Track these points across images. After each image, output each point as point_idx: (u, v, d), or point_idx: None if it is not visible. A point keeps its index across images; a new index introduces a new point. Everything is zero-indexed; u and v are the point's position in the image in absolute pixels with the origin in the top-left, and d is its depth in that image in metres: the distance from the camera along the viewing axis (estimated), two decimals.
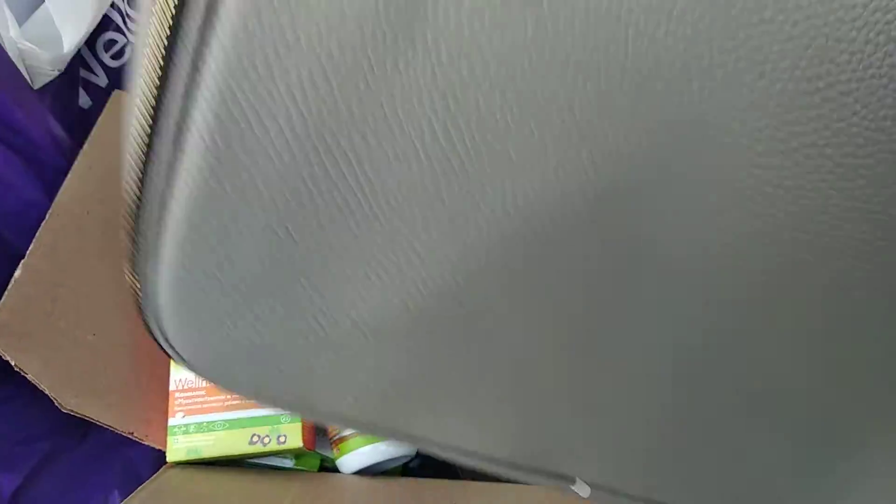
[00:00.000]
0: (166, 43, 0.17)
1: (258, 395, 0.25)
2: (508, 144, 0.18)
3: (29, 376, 0.41)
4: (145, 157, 0.19)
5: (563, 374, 0.25)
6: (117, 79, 0.62)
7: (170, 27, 0.17)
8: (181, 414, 0.45)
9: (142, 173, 0.19)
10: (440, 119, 0.18)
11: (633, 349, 0.24)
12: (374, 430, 0.27)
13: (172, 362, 0.47)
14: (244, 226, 0.20)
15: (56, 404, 0.42)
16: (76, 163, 0.49)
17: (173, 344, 0.24)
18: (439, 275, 0.21)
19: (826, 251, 0.21)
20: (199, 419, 0.45)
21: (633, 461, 0.28)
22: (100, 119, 0.51)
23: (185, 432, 0.45)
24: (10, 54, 0.49)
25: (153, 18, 0.17)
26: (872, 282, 0.22)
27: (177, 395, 0.46)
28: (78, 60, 0.58)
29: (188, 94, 0.18)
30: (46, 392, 0.42)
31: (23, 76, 0.50)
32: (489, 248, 0.20)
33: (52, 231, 0.45)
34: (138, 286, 0.22)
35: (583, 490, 0.29)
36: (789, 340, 0.23)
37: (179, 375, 0.46)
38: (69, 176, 0.48)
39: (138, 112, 0.18)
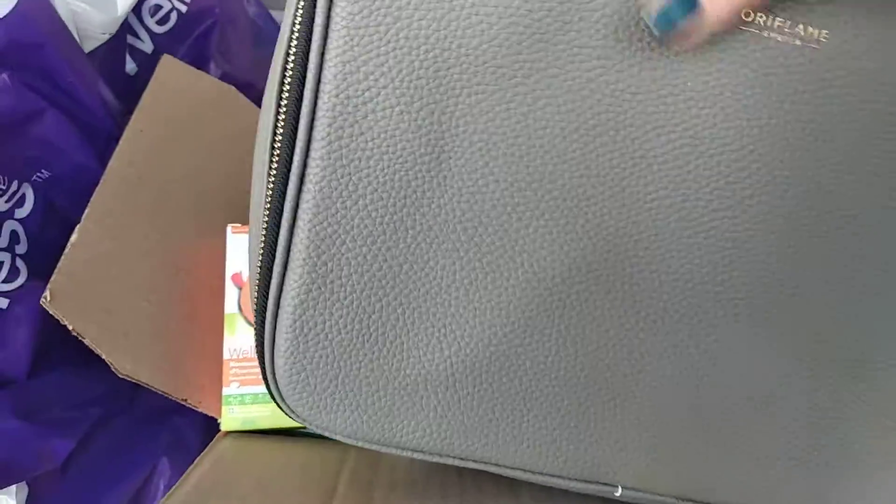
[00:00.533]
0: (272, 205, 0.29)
1: (349, 436, 0.32)
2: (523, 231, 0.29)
3: (86, 341, 0.41)
4: (264, 276, 0.30)
5: (613, 396, 0.31)
6: (163, 44, 0.61)
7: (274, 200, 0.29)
8: (236, 384, 0.45)
9: (262, 284, 0.30)
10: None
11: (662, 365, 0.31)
12: (443, 458, 0.33)
13: (227, 329, 0.46)
14: (337, 314, 0.30)
15: (112, 369, 0.42)
16: (127, 128, 0.48)
17: (285, 398, 0.32)
18: (489, 328, 0.30)
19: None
20: (256, 390, 0.45)
21: (669, 467, 0.32)
22: (150, 84, 0.50)
23: (241, 402, 0.45)
24: (63, 16, 0.48)
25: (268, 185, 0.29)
26: None
27: (231, 364, 0.45)
28: (125, 26, 0.57)
29: (288, 242, 0.29)
30: (104, 357, 0.41)
31: (75, 39, 0.49)
32: (523, 305, 0.29)
33: (106, 196, 0.45)
34: (261, 356, 0.31)
35: (616, 491, 0.33)
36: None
37: (234, 344, 0.46)
38: (121, 141, 0.48)
39: (256, 252, 0.30)
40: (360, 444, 0.32)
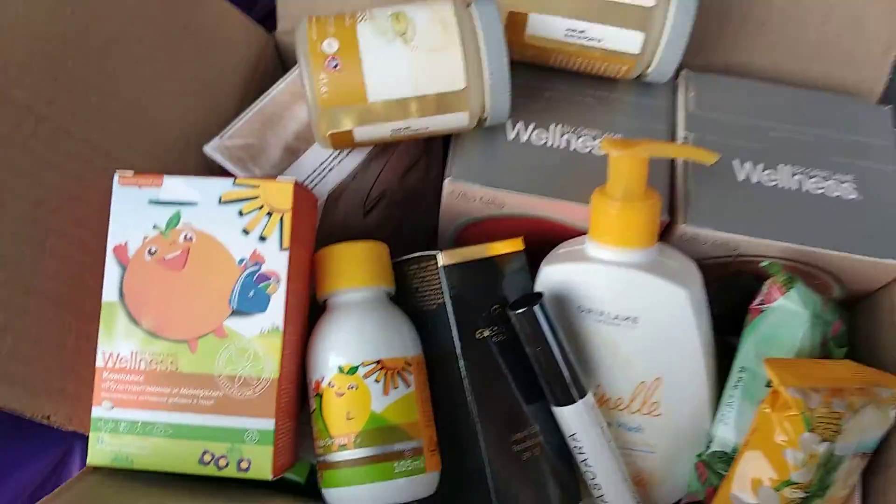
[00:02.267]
0: None
1: None
2: None
3: None
4: None
5: None
6: None
7: None
8: (109, 403, 0.32)
9: None
10: None
11: None
12: None
13: (102, 323, 0.32)
14: None
15: None
16: None
17: None
18: None
19: None
20: (134, 415, 0.32)
21: None
22: None
23: (114, 430, 0.32)
24: None
25: None
26: None
27: (105, 374, 0.32)
28: None
29: None
30: None
31: None
32: None
33: None
34: None
35: None
36: None
37: (110, 347, 0.32)
38: None
39: None
40: None
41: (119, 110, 0.36)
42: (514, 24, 0.37)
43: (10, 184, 0.31)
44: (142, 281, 0.33)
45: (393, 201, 0.44)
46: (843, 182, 0.38)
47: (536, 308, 0.33)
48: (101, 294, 0.33)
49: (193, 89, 0.40)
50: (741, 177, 0.37)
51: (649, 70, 0.38)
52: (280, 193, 0.33)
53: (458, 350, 0.34)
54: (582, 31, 0.36)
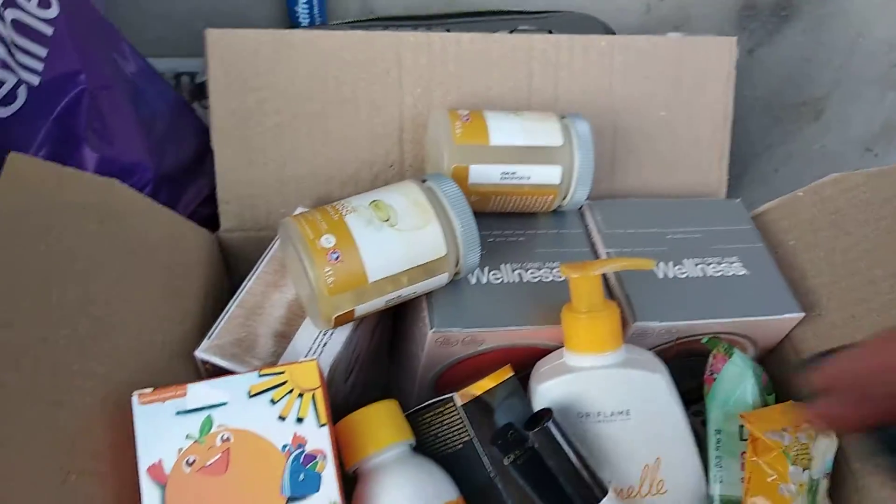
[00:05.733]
0: None
1: None
2: None
3: None
4: None
5: None
6: (10, 132, 0.45)
7: None
8: None
9: None
10: None
11: None
12: None
13: None
14: None
15: None
16: None
17: None
18: None
19: None
20: None
21: None
22: None
23: None
24: None
25: None
26: None
27: None
28: None
29: None
30: None
31: None
32: None
33: None
34: None
35: None
36: None
37: None
38: None
39: None
40: None
41: (105, 333, 0.36)
42: (459, 177, 0.43)
43: (20, 430, 0.30)
44: (186, 495, 0.32)
45: (363, 363, 0.46)
46: (732, 263, 0.47)
47: (550, 424, 0.37)
48: None
49: (163, 298, 0.40)
50: (661, 275, 0.45)
51: (567, 197, 0.46)
52: (306, 374, 0.34)
53: (497, 481, 0.37)
54: (513, 172, 0.44)
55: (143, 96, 0.54)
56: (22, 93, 0.46)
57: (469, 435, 0.37)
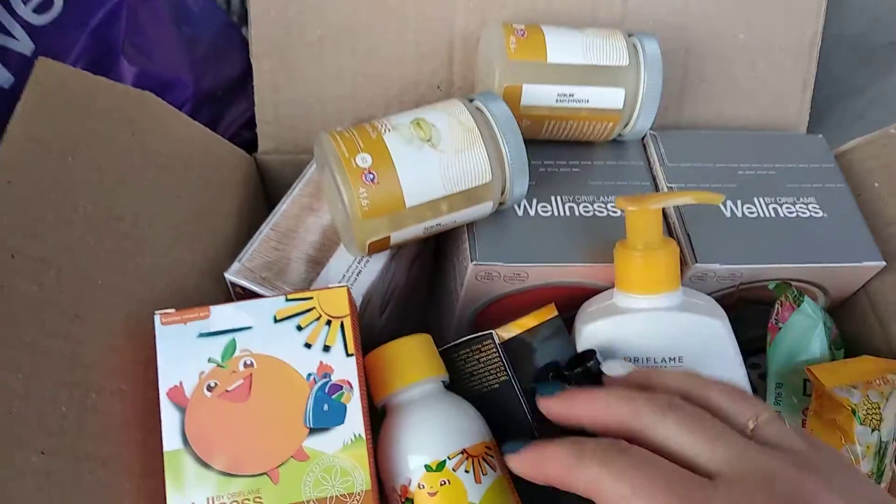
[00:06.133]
0: None
1: None
2: None
3: None
4: None
5: None
6: (46, 41, 0.43)
7: None
8: None
9: None
10: None
11: None
12: None
13: (168, 476, 0.30)
14: None
15: None
16: None
17: None
18: None
19: None
20: None
21: None
22: (19, 106, 0.33)
23: None
24: None
25: None
26: None
27: None
28: None
29: None
30: None
31: None
32: None
33: None
34: None
35: None
36: None
37: (182, 498, 0.30)
38: None
39: None
40: None
41: (132, 250, 0.35)
42: (510, 98, 0.40)
43: (42, 343, 0.29)
44: (206, 419, 0.31)
45: (400, 297, 0.44)
46: (808, 204, 0.42)
47: (593, 365, 0.35)
48: (153, 447, 0.31)
49: (194, 217, 0.39)
50: (727, 214, 0.41)
51: (630, 125, 0.42)
52: (335, 300, 0.32)
53: (533, 424, 0.34)
54: (571, 94, 0.40)
55: (187, 13, 0.51)
56: (59, 0, 0.44)
57: (507, 375, 0.35)
